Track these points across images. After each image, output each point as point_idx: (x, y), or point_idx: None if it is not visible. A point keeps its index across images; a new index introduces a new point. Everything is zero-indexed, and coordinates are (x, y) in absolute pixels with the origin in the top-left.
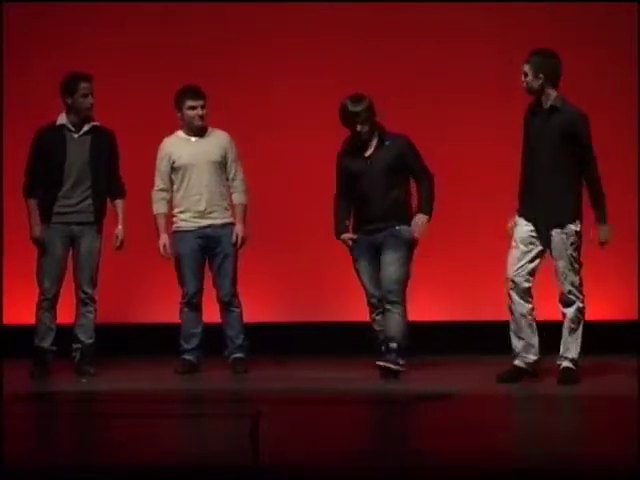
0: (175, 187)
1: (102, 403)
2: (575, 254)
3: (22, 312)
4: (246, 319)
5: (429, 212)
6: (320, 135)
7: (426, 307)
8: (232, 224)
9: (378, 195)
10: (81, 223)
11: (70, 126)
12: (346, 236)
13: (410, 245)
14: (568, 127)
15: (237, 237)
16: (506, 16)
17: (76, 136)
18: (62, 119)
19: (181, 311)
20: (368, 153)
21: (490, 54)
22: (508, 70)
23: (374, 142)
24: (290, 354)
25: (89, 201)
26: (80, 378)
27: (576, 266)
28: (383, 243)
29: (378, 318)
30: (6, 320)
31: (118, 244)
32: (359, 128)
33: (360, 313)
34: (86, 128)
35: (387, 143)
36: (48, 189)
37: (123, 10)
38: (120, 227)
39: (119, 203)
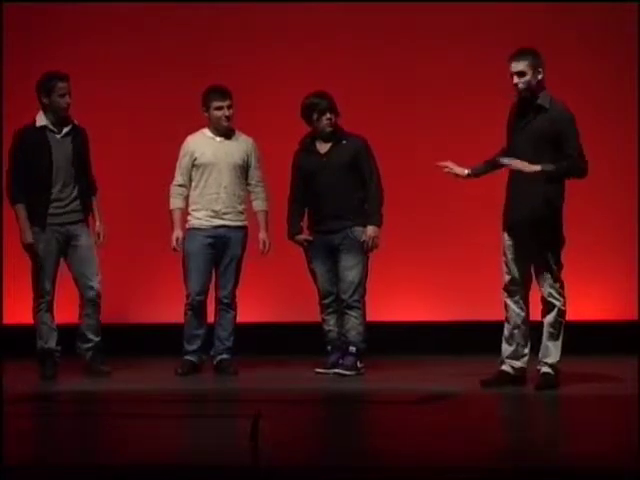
0: (193, 184)
1: (102, 403)
2: (554, 256)
3: (22, 312)
4: (246, 319)
5: (378, 222)
6: None
7: (422, 308)
8: (244, 227)
9: (333, 193)
10: (74, 222)
11: (52, 127)
12: (301, 237)
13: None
14: (553, 127)
15: (264, 245)
16: (506, 16)
17: (58, 137)
18: (42, 120)
19: (185, 312)
20: (324, 150)
21: (489, 54)
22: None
23: (331, 140)
24: (290, 354)
25: (77, 200)
26: (94, 378)
27: (554, 268)
28: (339, 246)
29: (328, 318)
30: (6, 320)
31: (101, 240)
32: (328, 115)
33: None
34: (67, 129)
35: (344, 142)
36: (38, 193)
37: (123, 10)
38: (99, 223)
39: (94, 200)
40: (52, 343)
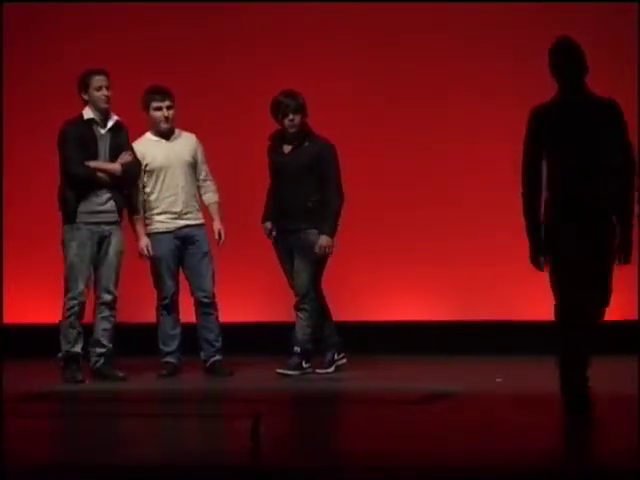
0: (148, 189)
1: (102, 403)
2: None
3: (22, 312)
4: (244, 319)
5: (330, 231)
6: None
7: (421, 307)
8: (204, 225)
9: (291, 192)
10: (110, 223)
11: (98, 121)
12: (268, 224)
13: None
14: None
15: (220, 234)
16: (505, 16)
17: (103, 132)
18: (89, 114)
19: (159, 314)
20: (288, 150)
21: (489, 54)
22: (508, 70)
23: (295, 141)
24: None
25: (112, 200)
26: (108, 382)
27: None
28: (294, 248)
29: None
30: (6, 320)
31: None
32: (291, 117)
33: (358, 313)
34: (110, 123)
35: (307, 144)
36: (80, 186)
37: (123, 10)
38: None
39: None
40: (78, 348)
